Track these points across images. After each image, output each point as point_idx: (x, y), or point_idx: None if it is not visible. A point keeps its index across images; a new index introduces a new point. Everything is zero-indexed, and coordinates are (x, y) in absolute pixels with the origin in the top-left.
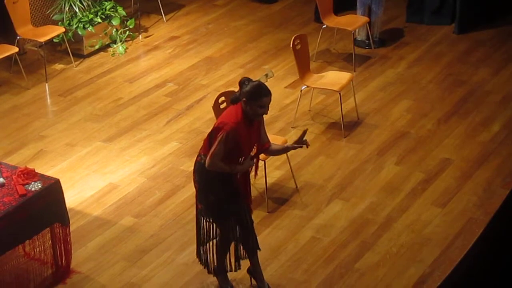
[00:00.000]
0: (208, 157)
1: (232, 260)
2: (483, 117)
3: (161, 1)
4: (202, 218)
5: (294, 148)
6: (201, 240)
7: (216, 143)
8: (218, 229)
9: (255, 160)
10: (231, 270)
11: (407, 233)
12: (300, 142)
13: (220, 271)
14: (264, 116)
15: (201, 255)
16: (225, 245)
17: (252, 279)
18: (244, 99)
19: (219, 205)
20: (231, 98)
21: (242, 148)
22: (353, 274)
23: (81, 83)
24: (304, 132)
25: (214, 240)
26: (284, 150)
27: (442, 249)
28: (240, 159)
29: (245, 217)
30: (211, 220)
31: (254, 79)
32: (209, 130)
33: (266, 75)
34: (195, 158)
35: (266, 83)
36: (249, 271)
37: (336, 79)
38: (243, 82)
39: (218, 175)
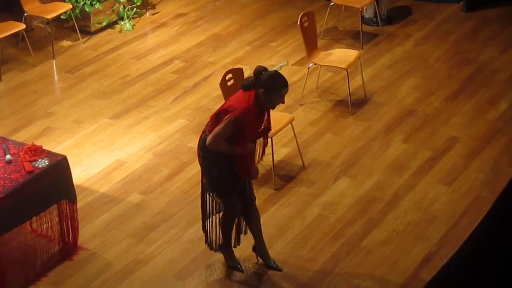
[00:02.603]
0: (211, 136)
1: (233, 236)
2: (490, 95)
3: None
4: (206, 192)
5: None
6: (206, 214)
7: (222, 124)
8: (221, 204)
9: (259, 144)
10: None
11: (414, 210)
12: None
13: (225, 248)
14: None
15: (206, 230)
16: (228, 220)
17: (258, 256)
18: (262, 90)
19: (222, 181)
20: (244, 84)
21: (247, 135)
22: (360, 251)
23: (88, 60)
24: None
25: (218, 215)
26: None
27: (449, 227)
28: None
29: (247, 193)
30: (214, 195)
31: (269, 69)
32: (217, 107)
33: (281, 65)
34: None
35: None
36: (254, 248)
37: (343, 57)
38: (260, 72)
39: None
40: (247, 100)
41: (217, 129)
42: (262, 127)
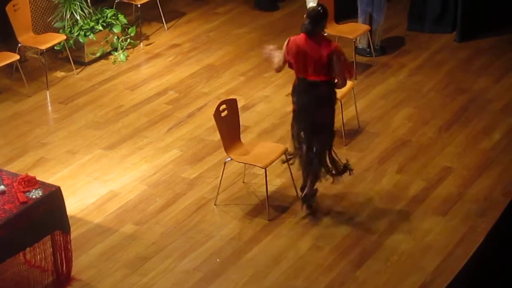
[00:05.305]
0: (346, 76)
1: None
2: (484, 125)
3: (162, 9)
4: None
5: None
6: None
7: (344, 62)
8: (326, 141)
9: None
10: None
11: (408, 241)
12: None
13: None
14: (265, 123)
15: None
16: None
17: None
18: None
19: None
20: (310, 30)
21: None
22: (354, 282)
23: (82, 91)
24: None
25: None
26: None
27: (443, 257)
28: None
29: None
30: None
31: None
32: (211, 138)
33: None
34: (312, 87)
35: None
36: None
37: None
38: (318, 12)
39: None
40: (323, 38)
41: (344, 67)
42: None
